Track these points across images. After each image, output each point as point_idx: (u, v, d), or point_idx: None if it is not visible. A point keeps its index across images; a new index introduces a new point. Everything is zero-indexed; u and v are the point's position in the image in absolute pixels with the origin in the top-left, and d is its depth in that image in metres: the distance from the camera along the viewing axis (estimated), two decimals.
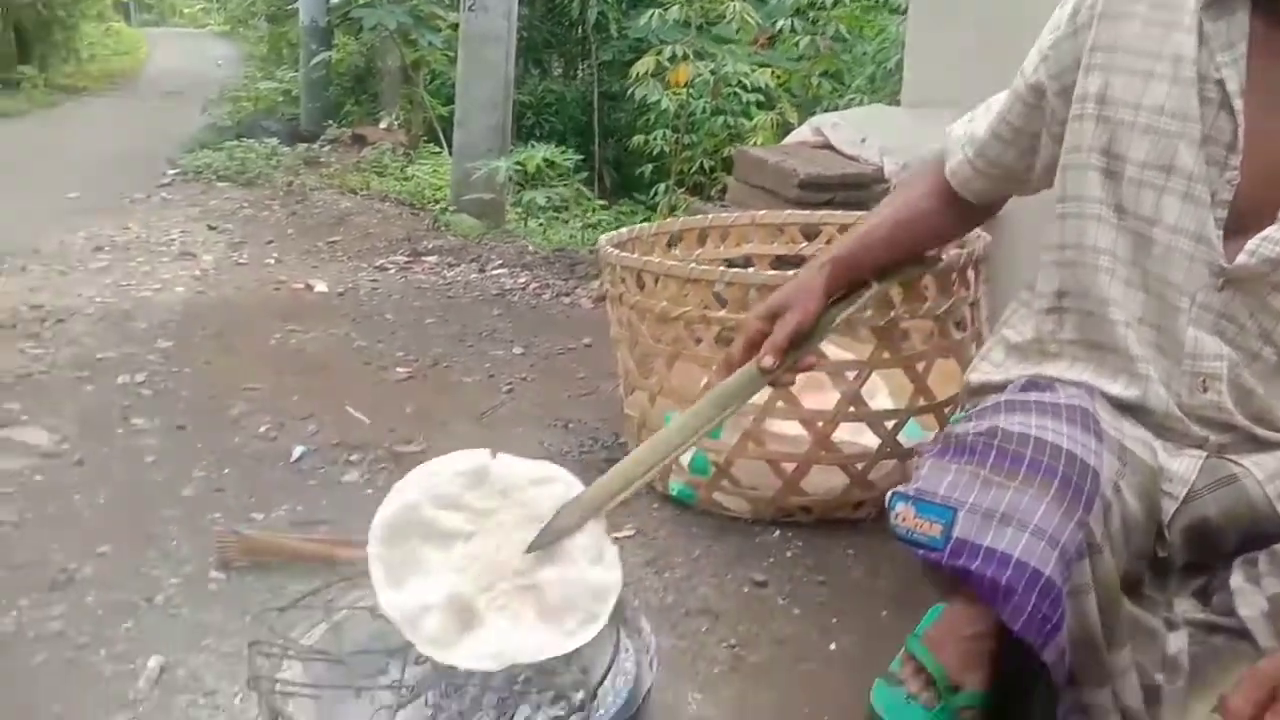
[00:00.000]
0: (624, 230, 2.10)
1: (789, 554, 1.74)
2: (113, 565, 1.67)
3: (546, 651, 1.11)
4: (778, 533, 1.80)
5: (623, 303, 1.87)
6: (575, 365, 2.81)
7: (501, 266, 4.07)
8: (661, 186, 5.60)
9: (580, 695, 1.11)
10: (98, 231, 4.53)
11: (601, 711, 1.08)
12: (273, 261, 4.18)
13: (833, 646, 1.47)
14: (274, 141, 6.88)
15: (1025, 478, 1.00)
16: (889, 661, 1.41)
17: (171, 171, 6.28)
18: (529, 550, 1.18)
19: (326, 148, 7.08)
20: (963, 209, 1.38)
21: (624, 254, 1.84)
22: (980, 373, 1.34)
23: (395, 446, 2.18)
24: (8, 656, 1.41)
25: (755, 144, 4.59)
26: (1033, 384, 1.20)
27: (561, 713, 1.12)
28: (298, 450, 2.13)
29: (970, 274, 1.75)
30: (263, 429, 2.27)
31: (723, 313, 1.68)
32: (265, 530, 1.72)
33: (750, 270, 1.87)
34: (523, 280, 3.85)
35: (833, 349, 1.79)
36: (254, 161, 6.34)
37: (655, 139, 5.69)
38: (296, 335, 3.05)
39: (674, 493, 1.89)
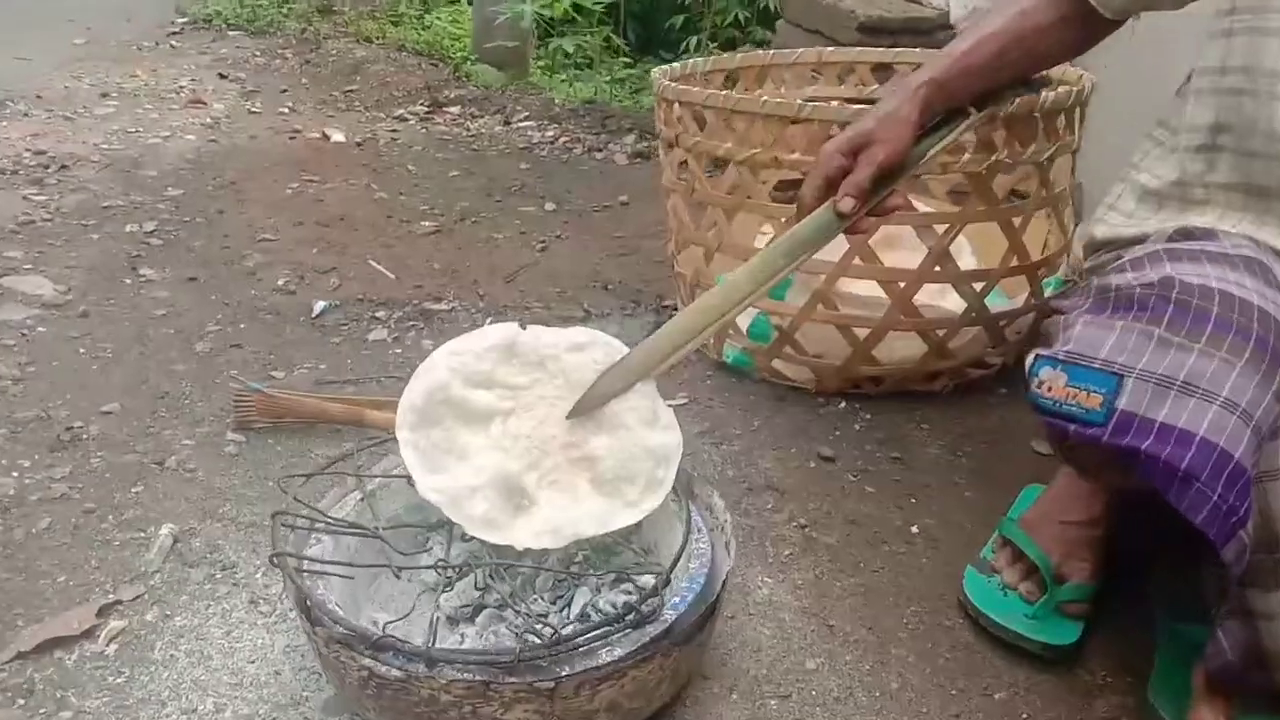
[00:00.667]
0: (675, 65, 1.87)
1: (857, 427, 1.59)
2: (120, 424, 1.53)
3: (612, 523, 0.97)
4: (843, 404, 1.65)
5: (678, 145, 1.67)
6: (612, 224, 2.62)
7: (528, 119, 3.82)
8: (693, 41, 5.25)
9: (648, 578, 0.97)
10: (104, 78, 4.29)
11: (676, 599, 0.95)
12: (287, 110, 3.96)
13: (914, 529, 1.33)
14: None
15: (1212, 338, 0.83)
16: (977, 547, 1.28)
17: (180, 20, 5.98)
18: (569, 416, 1.04)
19: None
20: (1090, 22, 1.14)
21: (683, 87, 1.63)
22: (1108, 225, 1.15)
23: (424, 304, 2.02)
24: (9, 520, 1.29)
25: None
26: (1185, 234, 1.02)
27: (627, 596, 0.98)
28: (319, 305, 1.97)
29: (1076, 115, 1.54)
30: (281, 281, 2.11)
31: (795, 154, 1.48)
32: (287, 389, 1.57)
33: (833, 104, 1.65)
34: (551, 134, 3.61)
35: (916, 202, 1.59)
36: (265, 9, 6.06)
37: None
38: (314, 185, 2.85)
39: (728, 359, 1.73)
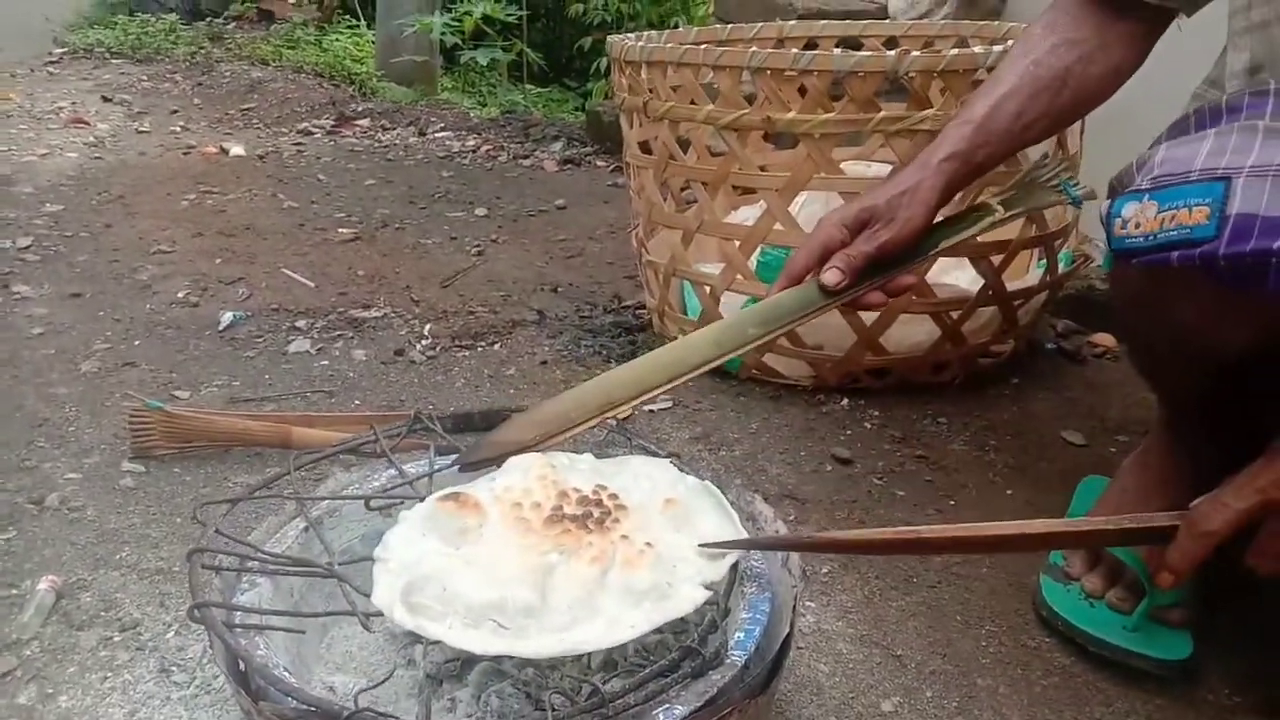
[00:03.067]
0: (629, 36, 1.67)
1: (867, 425, 1.39)
2: None
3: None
4: (845, 401, 1.45)
5: (646, 114, 1.46)
6: (550, 228, 2.40)
7: (444, 130, 3.59)
8: (603, 62, 5.05)
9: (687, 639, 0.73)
10: None
11: (740, 634, 0.72)
12: (179, 129, 3.64)
13: None
14: (171, 17, 6.20)
15: None
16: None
17: (59, 50, 5.58)
18: (460, 466, 0.86)
19: (231, 24, 6.43)
20: (1133, 31, 0.97)
21: (653, 45, 1.43)
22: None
23: (351, 312, 1.76)
24: None
25: (708, 14, 4.08)
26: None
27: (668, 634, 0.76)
28: (228, 317, 1.69)
29: None
30: (181, 294, 1.83)
31: (792, 113, 1.29)
32: (195, 408, 1.30)
33: (839, 52, 1.46)
34: (472, 143, 3.38)
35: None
36: (151, 37, 5.72)
37: (594, 5, 5.11)
38: (214, 196, 2.57)
39: None
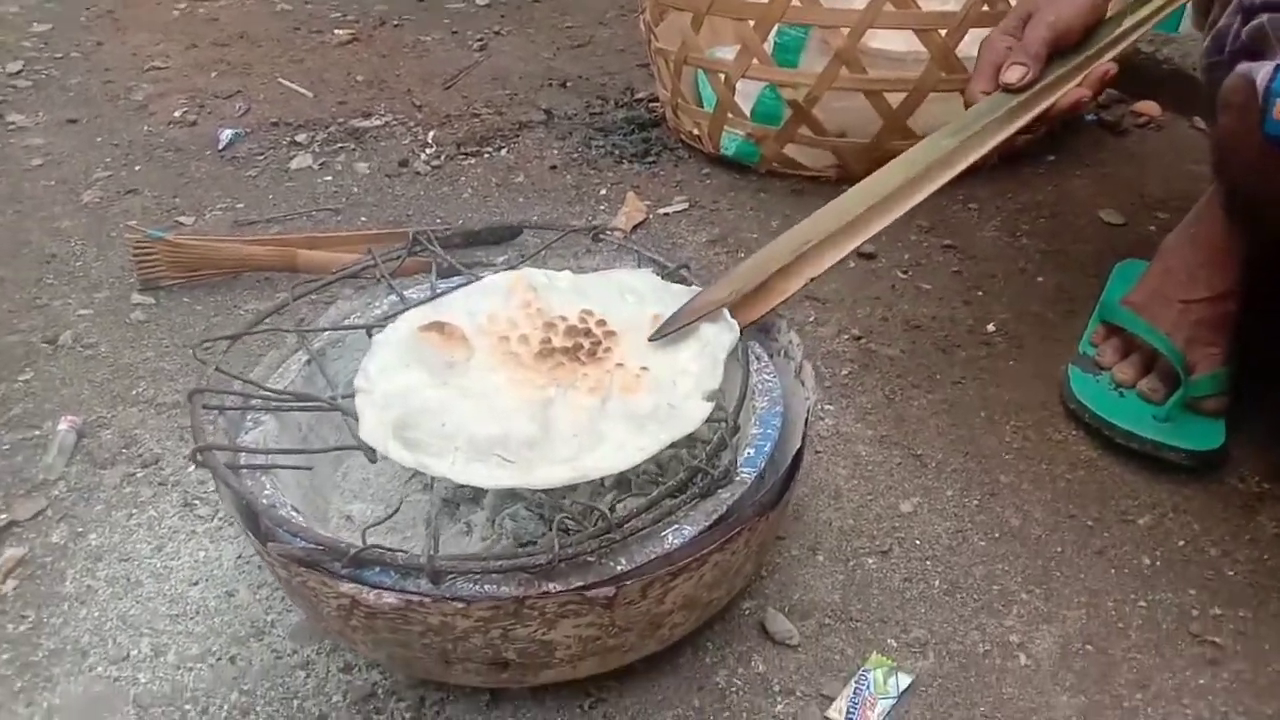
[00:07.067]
0: None
1: None
2: None
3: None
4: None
5: None
6: (557, 14, 2.26)
7: None
8: None
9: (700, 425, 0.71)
10: None
11: (750, 450, 0.70)
12: None
13: (989, 327, 1.10)
14: None
15: None
16: (1068, 340, 1.06)
17: None
18: (652, 338, 0.75)
19: None
20: None
21: None
22: None
23: (351, 122, 1.69)
24: None
25: None
26: None
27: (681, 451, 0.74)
28: (226, 135, 1.63)
29: None
30: (178, 113, 1.76)
31: None
32: (199, 235, 1.27)
33: None
34: None
35: None
36: None
37: None
38: (205, 4, 2.44)
39: (728, 151, 1.45)
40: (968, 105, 0.88)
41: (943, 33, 1.23)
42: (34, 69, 2.06)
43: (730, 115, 1.40)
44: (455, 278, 0.89)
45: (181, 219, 1.40)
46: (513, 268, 0.89)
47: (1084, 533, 0.84)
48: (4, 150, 1.67)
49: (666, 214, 1.36)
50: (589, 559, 0.62)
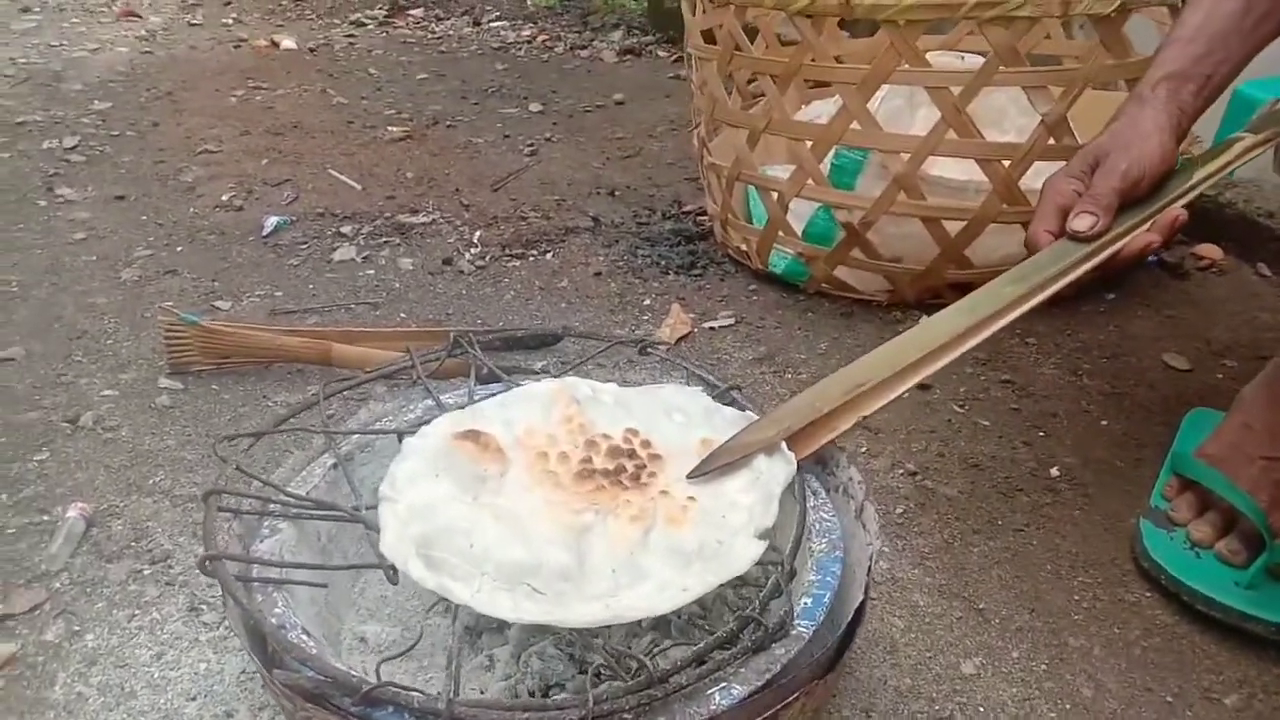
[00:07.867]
0: None
1: None
2: (23, 373, 1.20)
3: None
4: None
5: (712, 1, 1.33)
6: (607, 125, 2.28)
7: (500, 19, 3.45)
8: None
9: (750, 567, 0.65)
10: None
11: (807, 600, 0.64)
12: (231, 21, 3.57)
13: (1053, 471, 1.03)
14: None
15: None
16: (1138, 491, 0.99)
17: None
18: (691, 476, 0.69)
19: None
20: None
21: None
22: None
23: (399, 217, 1.68)
24: None
25: None
26: None
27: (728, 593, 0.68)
28: (272, 221, 1.63)
29: None
30: (226, 197, 1.76)
31: None
32: (234, 320, 1.24)
33: None
34: (527, 33, 3.24)
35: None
36: None
37: None
38: (263, 93, 2.49)
39: (776, 269, 1.41)
40: (1029, 245, 0.85)
41: (1006, 163, 1.20)
42: (89, 145, 2.09)
43: (781, 233, 1.37)
44: (494, 384, 0.85)
45: (219, 303, 1.38)
46: (555, 376, 0.84)
47: (1164, 710, 0.76)
48: (49, 223, 1.67)
49: (712, 328, 1.32)
50: (626, 716, 0.55)
